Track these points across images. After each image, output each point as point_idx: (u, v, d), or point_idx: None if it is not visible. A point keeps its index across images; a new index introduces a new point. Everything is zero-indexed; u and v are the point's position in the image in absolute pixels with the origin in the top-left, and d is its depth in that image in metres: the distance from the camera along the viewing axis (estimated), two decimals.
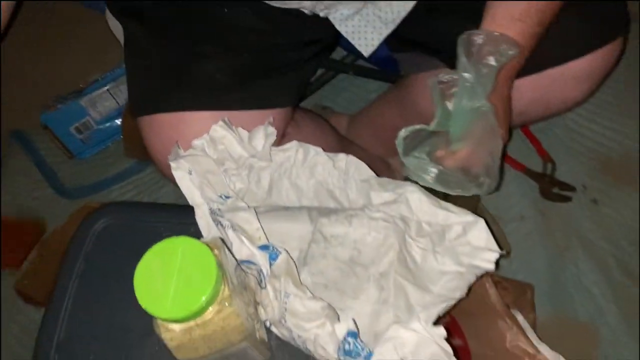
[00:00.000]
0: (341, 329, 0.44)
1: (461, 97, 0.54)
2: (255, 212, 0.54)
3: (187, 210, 0.55)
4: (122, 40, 0.70)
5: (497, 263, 0.85)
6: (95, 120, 1.03)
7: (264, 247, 0.50)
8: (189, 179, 0.55)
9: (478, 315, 0.71)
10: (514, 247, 0.89)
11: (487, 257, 0.54)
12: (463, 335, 0.71)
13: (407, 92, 0.82)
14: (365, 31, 0.68)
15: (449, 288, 0.53)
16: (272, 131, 0.60)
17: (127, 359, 0.52)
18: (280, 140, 0.67)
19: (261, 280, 0.49)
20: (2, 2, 0.58)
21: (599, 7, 0.63)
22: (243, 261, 0.50)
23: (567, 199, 0.92)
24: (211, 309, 0.38)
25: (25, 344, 0.89)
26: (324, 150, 0.61)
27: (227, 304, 0.38)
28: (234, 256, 0.49)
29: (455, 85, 0.55)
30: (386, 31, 0.68)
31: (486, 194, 0.58)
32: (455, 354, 0.45)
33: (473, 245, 0.56)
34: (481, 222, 0.56)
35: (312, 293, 0.49)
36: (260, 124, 0.61)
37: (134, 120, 0.68)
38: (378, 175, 0.60)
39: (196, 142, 0.59)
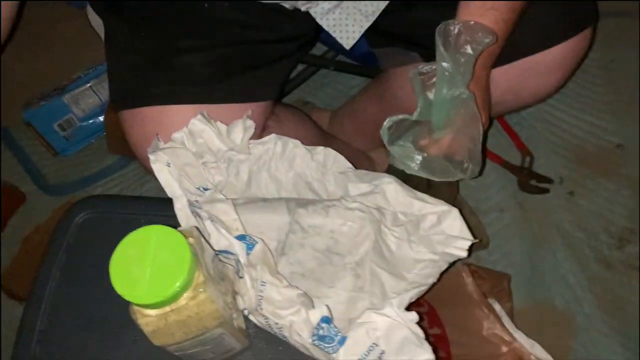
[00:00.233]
0: (315, 315, 0.45)
1: (441, 86, 0.56)
2: (234, 203, 0.55)
3: (168, 203, 0.56)
4: (102, 36, 0.70)
5: (476, 254, 0.88)
6: (79, 117, 1.03)
7: (240, 237, 0.51)
8: (168, 171, 0.56)
9: (456, 305, 0.73)
10: (493, 239, 0.91)
11: (460, 245, 0.56)
12: (441, 324, 0.73)
13: (387, 86, 0.83)
14: (346, 24, 0.69)
15: (422, 275, 0.54)
16: (251, 124, 0.61)
17: (107, 348, 0.53)
18: (261, 133, 0.69)
19: (238, 270, 0.50)
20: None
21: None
22: (221, 251, 0.51)
23: (544, 191, 0.94)
24: (185, 295, 0.39)
25: (10, 341, 0.89)
26: (306, 144, 0.62)
27: (201, 290, 0.39)
28: (211, 247, 0.50)
29: (435, 75, 0.56)
30: (366, 23, 0.69)
31: (470, 177, 0.60)
32: (428, 339, 0.47)
33: (447, 234, 0.57)
34: (455, 212, 0.58)
35: (288, 282, 0.50)
36: (241, 117, 0.62)
37: (116, 116, 0.69)
38: (359, 168, 0.61)
39: (175, 135, 0.59)
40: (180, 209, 0.56)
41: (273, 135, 0.62)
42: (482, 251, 0.90)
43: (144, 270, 0.37)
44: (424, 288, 0.52)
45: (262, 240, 0.50)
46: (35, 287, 0.57)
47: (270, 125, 0.72)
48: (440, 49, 0.55)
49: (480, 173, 0.62)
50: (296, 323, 0.46)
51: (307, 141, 0.63)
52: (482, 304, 0.71)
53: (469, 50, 0.55)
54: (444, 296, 0.73)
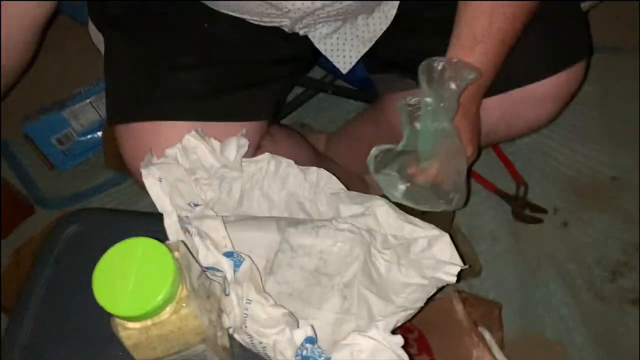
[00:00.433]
0: (299, 335, 0.45)
1: (425, 120, 0.57)
2: (224, 220, 0.55)
3: (158, 218, 0.56)
4: (103, 51, 0.71)
5: (468, 282, 0.87)
6: (77, 132, 1.04)
7: (228, 254, 0.50)
8: (159, 186, 0.56)
9: (445, 332, 0.72)
10: (486, 267, 0.90)
11: (449, 270, 0.55)
12: (430, 351, 0.72)
13: (382, 111, 0.84)
14: (344, 49, 0.70)
15: (411, 299, 0.54)
16: (244, 142, 0.61)
17: None
18: (255, 152, 0.69)
19: (225, 287, 0.50)
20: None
21: (561, 31, 0.65)
22: (208, 268, 0.51)
23: (538, 221, 0.94)
24: (168, 309, 0.39)
25: None
26: (301, 165, 0.62)
27: (184, 305, 0.39)
28: (199, 263, 0.50)
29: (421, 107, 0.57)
30: (364, 49, 0.70)
31: (454, 208, 0.60)
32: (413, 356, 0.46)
33: (437, 259, 0.57)
34: (445, 237, 0.58)
35: (274, 301, 0.49)
36: (235, 135, 0.62)
37: (114, 132, 0.69)
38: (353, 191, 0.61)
39: (169, 151, 0.60)
40: (170, 224, 0.56)
41: (266, 154, 0.62)
42: (474, 279, 0.89)
43: (127, 282, 0.37)
44: (411, 312, 0.52)
45: (250, 258, 0.50)
46: (21, 300, 0.57)
47: (264, 144, 0.72)
48: (423, 84, 0.56)
49: (465, 204, 0.63)
50: (280, 342, 0.45)
51: (302, 162, 0.64)
52: (472, 331, 0.70)
53: (452, 86, 0.56)
54: (433, 322, 0.72)
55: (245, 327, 0.47)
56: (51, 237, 0.60)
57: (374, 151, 0.59)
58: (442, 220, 0.66)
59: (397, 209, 0.60)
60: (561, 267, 0.90)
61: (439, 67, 0.56)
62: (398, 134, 0.62)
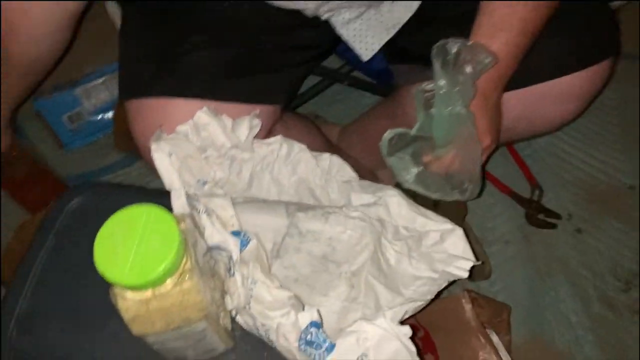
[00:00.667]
0: (304, 318, 0.43)
1: (439, 104, 0.56)
2: (232, 201, 0.54)
3: (166, 195, 0.55)
4: (118, 25, 0.70)
5: (477, 284, 0.85)
6: (88, 111, 1.03)
7: (235, 233, 0.49)
8: (168, 161, 0.55)
9: (452, 331, 0.70)
10: (496, 270, 0.88)
11: (461, 265, 0.54)
12: (435, 351, 0.70)
13: (400, 104, 0.82)
14: (366, 35, 0.69)
15: (420, 292, 0.52)
16: (257, 123, 0.60)
17: (86, 337, 0.51)
18: (266, 137, 0.67)
19: (230, 268, 0.48)
20: None
21: (590, 27, 0.64)
22: (214, 247, 0.49)
23: (552, 226, 0.92)
24: (170, 281, 0.37)
25: None
26: None
27: (187, 278, 0.38)
28: (205, 242, 0.48)
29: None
30: (386, 36, 0.68)
31: (468, 199, 0.59)
32: (421, 355, 0.45)
33: (449, 253, 0.55)
34: (459, 231, 0.56)
35: (280, 283, 0.48)
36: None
37: (124, 110, 0.68)
38: None
39: (180, 128, 0.58)
40: (178, 200, 0.54)
41: (279, 137, 0.61)
42: (483, 281, 0.87)
43: (129, 249, 0.36)
44: (420, 304, 0.50)
45: (257, 237, 0.49)
46: (20, 270, 0.56)
47: (277, 129, 0.71)
48: (436, 66, 0.55)
49: (479, 195, 0.61)
50: (284, 325, 0.44)
51: (314, 150, 0.62)
52: (480, 332, 0.68)
53: (468, 69, 0.54)
54: (440, 321, 0.70)
55: (249, 307, 0.46)
56: (55, 208, 0.59)
57: (387, 134, 0.58)
58: (455, 216, 0.65)
59: (409, 200, 0.58)
60: (573, 274, 0.88)
61: (454, 50, 0.54)
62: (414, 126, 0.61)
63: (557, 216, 0.92)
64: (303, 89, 1.00)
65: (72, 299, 0.53)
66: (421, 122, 0.57)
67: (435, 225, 0.57)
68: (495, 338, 0.71)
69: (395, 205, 0.57)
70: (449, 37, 0.57)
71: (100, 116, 1.04)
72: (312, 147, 0.66)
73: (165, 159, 0.54)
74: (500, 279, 0.88)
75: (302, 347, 0.43)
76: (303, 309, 0.45)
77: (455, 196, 0.58)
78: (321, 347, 0.43)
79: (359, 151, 0.92)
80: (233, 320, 0.50)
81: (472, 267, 0.54)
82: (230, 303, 0.48)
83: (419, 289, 0.53)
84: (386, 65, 0.87)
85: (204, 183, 0.55)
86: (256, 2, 0.65)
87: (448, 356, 0.70)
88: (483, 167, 0.60)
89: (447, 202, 0.62)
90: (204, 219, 0.50)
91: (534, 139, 0.95)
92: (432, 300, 0.54)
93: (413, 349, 0.43)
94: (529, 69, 0.60)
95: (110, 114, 1.04)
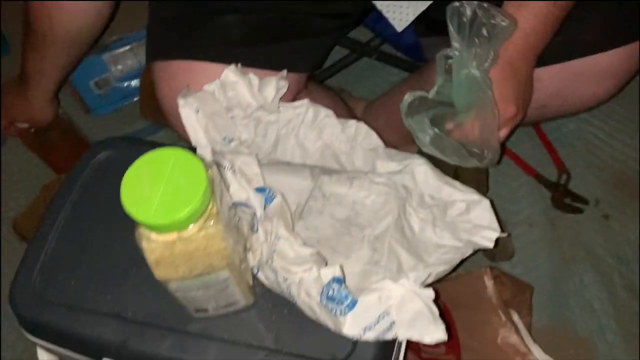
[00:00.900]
0: (327, 274, 0.43)
1: (456, 67, 0.55)
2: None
3: (191, 151, 0.54)
4: None
5: (498, 265, 0.84)
6: (115, 78, 1.03)
7: (260, 190, 0.49)
8: (195, 118, 0.54)
9: (472, 308, 0.69)
10: (519, 252, 0.87)
11: (487, 235, 0.53)
12: (454, 326, 0.69)
13: (428, 78, 0.80)
14: (401, 5, 0.67)
15: (443, 260, 0.52)
16: (284, 84, 0.59)
17: (108, 288, 0.51)
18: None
19: (254, 225, 0.48)
20: None
21: (631, 2, 0.62)
22: (238, 203, 0.49)
23: (578, 211, 0.90)
24: (195, 226, 0.37)
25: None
26: None
27: (212, 223, 0.37)
28: (230, 197, 0.48)
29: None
30: (422, 7, 0.67)
31: (486, 165, 0.58)
32: (443, 318, 0.44)
33: (474, 224, 0.54)
34: (485, 202, 0.55)
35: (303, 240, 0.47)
36: None
37: (151, 78, 0.68)
38: None
39: (207, 87, 0.58)
40: (203, 156, 0.54)
41: (306, 101, 0.60)
42: (505, 263, 0.86)
43: (156, 190, 0.36)
44: (444, 268, 0.49)
45: (282, 194, 0.48)
46: (44, 220, 0.56)
47: (301, 97, 0.70)
48: (450, 29, 0.53)
49: (499, 162, 0.60)
50: (306, 280, 0.43)
51: None
52: (501, 310, 0.67)
53: (484, 32, 0.53)
54: (461, 297, 0.69)
55: (272, 261, 0.45)
56: (79, 163, 0.59)
57: (408, 96, 0.57)
58: (477, 183, 0.64)
59: (436, 169, 0.57)
60: (598, 260, 0.86)
61: (469, 12, 0.53)
62: None
63: (584, 201, 0.90)
64: (330, 62, 0.99)
65: (97, 249, 0.54)
66: (439, 85, 0.56)
67: (462, 196, 0.56)
68: (516, 317, 0.70)
69: (422, 174, 0.57)
70: None
71: (126, 83, 1.04)
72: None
73: (192, 115, 0.54)
74: (522, 262, 0.87)
75: (324, 302, 0.42)
76: (325, 265, 0.45)
77: (472, 162, 0.57)
78: (343, 303, 0.42)
79: (383, 127, 0.90)
80: (254, 277, 0.50)
81: (495, 246, 0.53)
82: (252, 260, 0.48)
83: (442, 257, 0.52)
84: (416, 39, 0.86)
85: (230, 140, 0.55)
86: None
87: (467, 332, 0.69)
88: (508, 137, 0.59)
89: (468, 178, 0.61)
90: (229, 176, 0.50)
91: (562, 118, 0.93)
92: (453, 271, 0.53)
93: (436, 310, 0.42)
94: (567, 44, 0.59)
95: (136, 82, 1.04)
